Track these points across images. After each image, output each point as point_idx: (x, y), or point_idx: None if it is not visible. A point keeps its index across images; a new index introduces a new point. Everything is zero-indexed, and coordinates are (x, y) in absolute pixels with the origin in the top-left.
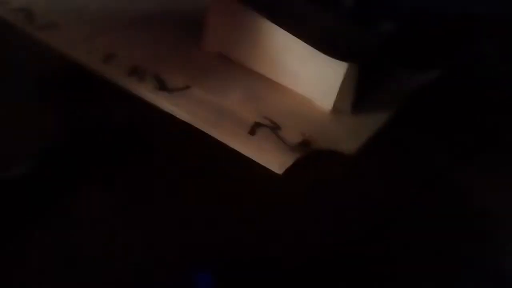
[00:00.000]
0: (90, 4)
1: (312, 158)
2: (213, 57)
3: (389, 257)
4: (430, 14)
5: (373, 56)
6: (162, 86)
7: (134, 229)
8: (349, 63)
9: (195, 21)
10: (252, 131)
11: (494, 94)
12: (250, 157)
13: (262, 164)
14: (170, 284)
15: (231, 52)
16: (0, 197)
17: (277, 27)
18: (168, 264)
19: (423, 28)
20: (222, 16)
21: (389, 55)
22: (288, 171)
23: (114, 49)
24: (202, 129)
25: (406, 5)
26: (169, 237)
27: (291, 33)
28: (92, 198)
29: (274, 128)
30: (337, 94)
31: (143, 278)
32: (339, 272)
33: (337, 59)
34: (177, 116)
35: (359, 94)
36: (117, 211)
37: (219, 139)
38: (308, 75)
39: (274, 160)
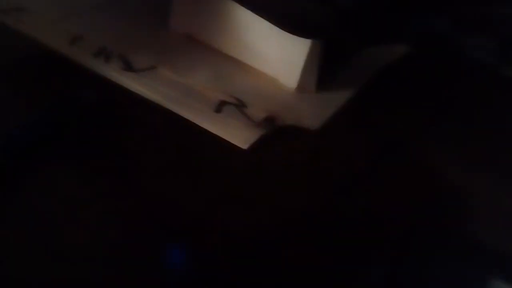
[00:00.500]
0: None
1: (278, 135)
2: (179, 37)
3: (353, 231)
4: None
5: (333, 32)
6: (128, 67)
7: (103, 206)
8: (312, 41)
9: (161, 3)
10: (218, 109)
11: (454, 67)
12: (216, 133)
13: (228, 140)
14: (142, 258)
15: (197, 33)
16: None
17: (241, 7)
18: (138, 239)
19: (383, 3)
20: None
21: (351, 31)
22: (254, 147)
23: (81, 32)
24: (169, 108)
25: None
26: (137, 213)
27: (253, 11)
28: (59, 178)
29: (240, 105)
30: (301, 72)
31: (116, 253)
32: (302, 246)
33: (298, 35)
34: (144, 96)
35: (323, 72)
36: (86, 190)
37: (185, 117)
38: (272, 54)
39: (239, 136)
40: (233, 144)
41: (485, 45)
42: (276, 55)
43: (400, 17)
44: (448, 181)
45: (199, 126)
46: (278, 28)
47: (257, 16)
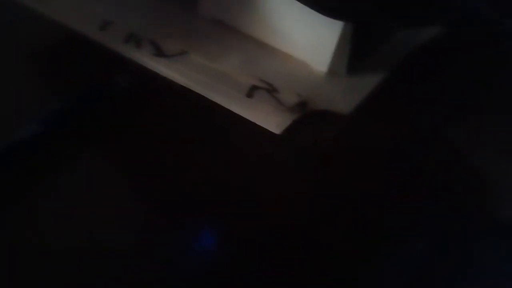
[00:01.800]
0: None
1: (309, 119)
2: (208, 22)
3: (383, 216)
4: None
5: (371, 14)
6: (159, 52)
7: (134, 190)
8: (344, 24)
9: None
10: (250, 94)
11: (493, 51)
12: (249, 118)
13: (260, 124)
14: (173, 242)
15: (226, 17)
16: (5, 160)
17: None
18: (168, 223)
19: None
20: None
21: (385, 12)
22: (286, 132)
23: (110, 16)
24: (200, 93)
25: None
26: (168, 198)
27: None
28: (92, 164)
29: (271, 90)
30: (332, 56)
31: (147, 237)
32: (339, 231)
33: (336, 19)
34: (175, 81)
35: (354, 55)
36: (119, 174)
37: (217, 102)
38: (303, 38)
39: (272, 120)
40: (265, 129)
41: None
42: (307, 39)
43: None
44: (483, 169)
45: (231, 111)
46: (308, 11)
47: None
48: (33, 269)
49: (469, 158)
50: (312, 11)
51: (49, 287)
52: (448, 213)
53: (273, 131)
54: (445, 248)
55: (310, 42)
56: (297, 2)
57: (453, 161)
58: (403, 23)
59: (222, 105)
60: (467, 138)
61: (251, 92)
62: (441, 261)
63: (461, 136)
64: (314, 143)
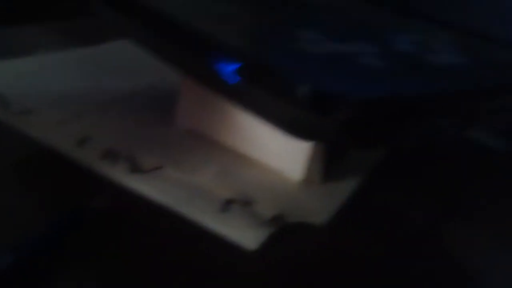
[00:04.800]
0: (64, 89)
1: (285, 232)
2: (186, 134)
3: None
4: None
5: (334, 138)
6: (135, 168)
7: None
8: None
9: (168, 99)
10: (225, 208)
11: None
12: (223, 234)
13: (235, 240)
14: None
15: (204, 129)
16: None
17: None
18: None
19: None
20: (192, 94)
21: (352, 138)
22: (262, 247)
23: (88, 132)
24: (174, 209)
25: (358, 95)
26: None
27: (254, 116)
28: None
29: (246, 203)
30: (306, 165)
31: None
32: None
33: (300, 139)
34: (150, 197)
35: (329, 161)
36: None
37: (191, 218)
38: (277, 147)
39: (246, 236)
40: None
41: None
42: (281, 148)
43: (403, 123)
44: (473, 269)
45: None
46: None
47: None
48: None
49: (458, 258)
50: None
51: None
52: None
53: (247, 247)
54: None
55: (284, 151)
56: None
57: (443, 263)
58: (372, 147)
59: (196, 221)
60: (452, 236)
61: (226, 206)
62: None
63: (446, 235)
64: (291, 258)
